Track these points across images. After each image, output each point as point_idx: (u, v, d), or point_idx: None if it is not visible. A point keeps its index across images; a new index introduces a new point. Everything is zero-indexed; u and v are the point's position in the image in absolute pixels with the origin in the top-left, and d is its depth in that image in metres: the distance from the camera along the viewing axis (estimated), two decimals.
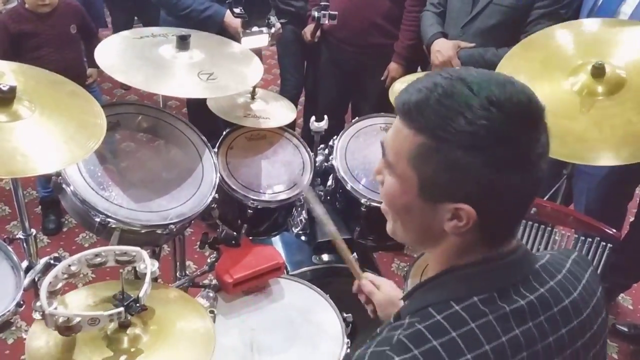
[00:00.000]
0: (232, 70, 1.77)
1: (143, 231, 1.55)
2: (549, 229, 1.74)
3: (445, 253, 0.78)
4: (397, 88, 2.00)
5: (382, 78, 2.78)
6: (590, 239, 1.69)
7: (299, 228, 1.98)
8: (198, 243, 1.83)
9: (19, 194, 1.47)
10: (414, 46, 2.68)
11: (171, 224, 1.57)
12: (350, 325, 1.63)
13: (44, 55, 2.48)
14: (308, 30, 2.83)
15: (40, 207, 2.91)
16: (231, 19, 2.31)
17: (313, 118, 1.95)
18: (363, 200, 1.83)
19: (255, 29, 1.91)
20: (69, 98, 1.47)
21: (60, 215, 2.89)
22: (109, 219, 1.49)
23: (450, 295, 0.75)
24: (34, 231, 1.48)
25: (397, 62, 2.74)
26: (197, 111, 2.48)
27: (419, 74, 2.36)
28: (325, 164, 1.98)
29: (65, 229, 2.90)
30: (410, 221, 0.78)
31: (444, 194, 0.71)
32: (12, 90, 1.28)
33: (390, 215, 0.81)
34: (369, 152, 1.96)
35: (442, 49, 2.37)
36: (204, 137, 1.79)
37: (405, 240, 0.83)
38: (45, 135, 1.33)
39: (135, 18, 4.13)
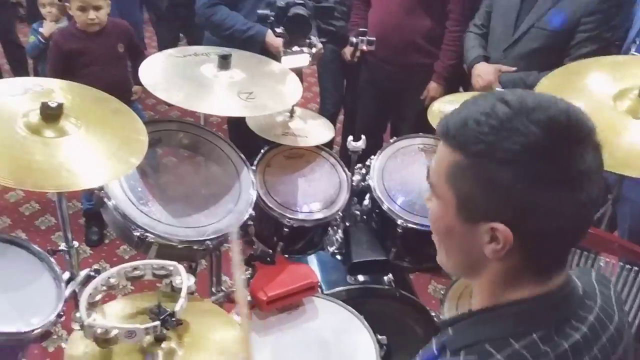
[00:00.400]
0: (271, 90, 1.80)
1: (180, 246, 1.58)
2: (593, 255, 1.68)
3: (490, 282, 0.75)
4: (437, 108, 1.98)
5: (422, 97, 2.77)
6: (636, 268, 1.63)
7: (335, 247, 1.97)
8: None
9: (63, 208, 1.52)
10: (454, 66, 2.67)
11: (208, 240, 1.58)
12: (385, 347, 1.61)
13: (93, 72, 2.57)
14: (348, 50, 2.85)
15: (84, 219, 2.99)
16: (272, 39, 2.34)
17: (350, 137, 1.95)
18: (399, 221, 1.81)
19: (296, 48, 1.93)
20: (113, 115, 1.52)
21: (103, 227, 2.97)
22: (147, 234, 1.52)
23: (508, 332, 0.72)
24: (76, 243, 1.52)
25: (437, 82, 2.72)
26: (237, 128, 2.52)
27: (460, 95, 2.36)
28: (362, 183, 1.97)
29: (107, 241, 2.97)
30: (452, 245, 0.77)
31: (480, 212, 0.70)
32: (60, 107, 1.33)
33: (436, 241, 0.81)
34: (406, 172, 1.94)
35: (482, 73, 2.35)
36: (242, 155, 1.82)
37: (450, 268, 0.81)
38: (90, 151, 1.38)
39: (181, 35, 4.25)
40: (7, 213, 3.07)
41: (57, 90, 1.53)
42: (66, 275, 1.49)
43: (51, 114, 1.32)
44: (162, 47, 4.09)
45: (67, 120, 1.37)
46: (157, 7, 3.86)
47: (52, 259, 1.41)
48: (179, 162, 1.79)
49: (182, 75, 1.76)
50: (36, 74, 3.46)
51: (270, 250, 1.79)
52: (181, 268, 1.36)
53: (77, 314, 1.20)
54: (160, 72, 1.76)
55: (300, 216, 1.82)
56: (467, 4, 2.60)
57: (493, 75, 2.31)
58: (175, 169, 1.77)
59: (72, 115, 1.39)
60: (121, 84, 2.67)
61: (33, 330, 1.27)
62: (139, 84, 2.79)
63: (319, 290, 1.76)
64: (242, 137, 2.08)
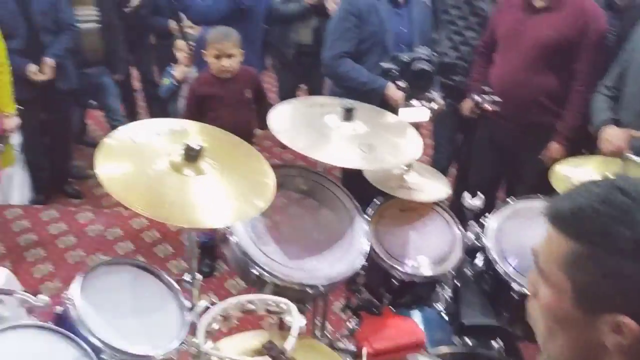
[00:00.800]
0: (391, 143, 1.84)
1: (293, 288, 1.62)
2: None
3: None
4: (561, 171, 1.91)
5: (542, 158, 2.67)
6: None
7: (443, 305, 1.93)
8: (341, 305, 1.87)
9: (192, 241, 1.62)
10: (579, 127, 2.56)
11: (321, 285, 1.62)
12: None
13: (222, 115, 2.76)
14: (466, 105, 2.84)
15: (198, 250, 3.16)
16: (394, 92, 2.40)
17: (467, 194, 1.93)
18: (514, 285, 1.74)
19: (416, 102, 1.96)
20: (244, 158, 1.63)
21: (215, 259, 3.12)
22: (265, 273, 1.59)
23: None
24: (200, 276, 1.62)
25: (559, 143, 2.62)
26: (351, 176, 2.57)
27: (586, 158, 2.25)
28: (476, 242, 1.93)
29: (216, 274, 3.11)
30: (564, 334, 0.74)
31: (602, 304, 0.68)
32: (201, 149, 1.45)
33: (543, 327, 0.78)
34: (524, 235, 1.87)
35: (612, 137, 2.23)
36: (357, 203, 1.85)
37: (558, 355, 0.77)
38: (221, 191, 1.48)
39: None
40: (131, 238, 3.32)
41: (193, 132, 1.67)
42: (187, 303, 1.58)
43: (192, 155, 1.44)
44: (282, 93, 4.31)
45: (205, 161, 1.49)
46: (283, 55, 4.08)
47: (179, 289, 1.51)
48: (296, 205, 1.86)
49: (306, 124, 1.85)
50: (166, 114, 3.78)
51: (377, 301, 1.79)
52: (294, 307, 1.40)
53: (194, 340, 1.27)
54: (287, 118, 1.87)
55: (410, 270, 1.81)
56: (596, 63, 2.51)
57: (624, 141, 2.19)
58: (292, 212, 1.84)
59: (209, 157, 1.51)
60: (246, 127, 2.83)
61: (159, 355, 1.36)
62: (262, 127, 3.00)
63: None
64: (356, 185, 2.12)
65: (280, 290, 1.62)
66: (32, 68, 3.13)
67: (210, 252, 3.09)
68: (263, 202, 1.48)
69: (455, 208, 2.07)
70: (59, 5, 3.21)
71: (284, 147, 4.21)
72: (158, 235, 3.36)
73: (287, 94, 4.26)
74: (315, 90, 4.25)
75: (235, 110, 2.78)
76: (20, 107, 2.74)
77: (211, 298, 1.54)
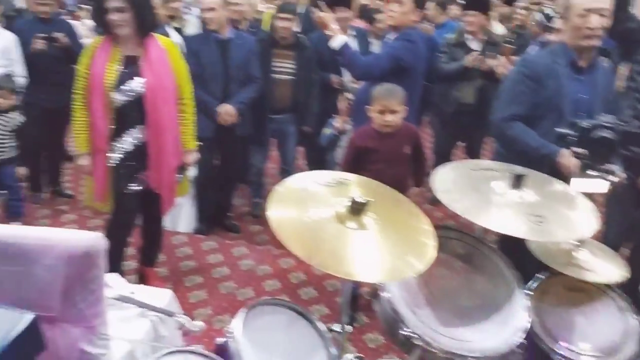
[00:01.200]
0: (562, 215, 1.71)
1: (442, 356, 1.56)
2: None
3: None
4: None
5: None
6: None
7: None
8: None
9: (346, 292, 1.64)
10: None
11: (472, 357, 1.53)
12: None
13: (379, 168, 2.79)
14: None
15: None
16: (567, 159, 2.23)
17: None
18: None
19: (593, 173, 1.82)
20: (406, 215, 1.62)
21: (356, 310, 3.11)
22: (414, 336, 1.54)
23: None
24: (350, 328, 1.62)
25: None
26: (511, 245, 2.43)
27: None
28: None
29: (356, 325, 3.10)
30: None
31: None
32: (366, 203, 1.48)
33: None
34: None
35: None
36: (518, 274, 1.74)
37: None
38: (380, 247, 1.48)
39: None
40: (279, 277, 3.45)
41: (355, 184, 1.70)
42: (334, 352, 1.59)
43: (357, 209, 1.47)
44: (438, 150, 4.28)
45: (367, 215, 1.51)
46: (442, 112, 4.07)
47: (329, 337, 1.52)
48: (451, 270, 1.80)
49: (470, 187, 1.80)
50: (324, 162, 3.93)
51: None
52: None
53: None
54: (451, 179, 1.84)
55: (573, 356, 1.64)
56: None
57: None
58: (447, 276, 1.78)
59: (371, 211, 1.53)
60: (401, 183, 2.83)
61: None
62: (417, 184, 2.99)
63: None
64: (515, 255, 2.00)
65: (428, 355, 1.57)
66: (223, 109, 3.47)
67: (352, 302, 3.09)
68: (421, 263, 1.45)
69: (631, 294, 1.86)
70: (251, 61, 3.57)
71: (434, 204, 4.20)
72: (304, 277, 3.45)
73: (443, 151, 4.23)
74: (473, 149, 4.17)
75: (393, 165, 2.80)
76: (200, 143, 3.02)
77: (349, 349, 1.53)
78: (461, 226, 1.90)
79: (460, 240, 1.84)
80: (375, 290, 1.69)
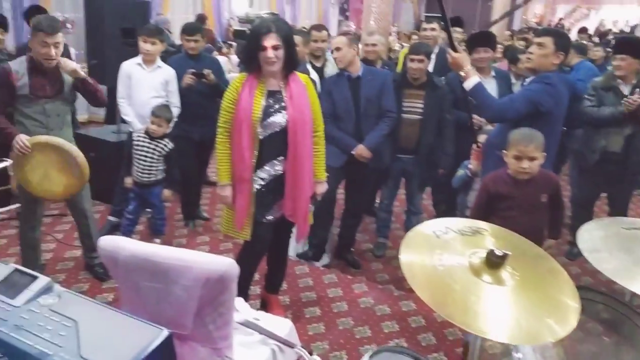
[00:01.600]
0: None
1: None
2: None
3: None
4: None
5: None
6: None
7: None
8: None
9: (475, 347, 1.56)
10: None
11: None
12: None
13: (512, 216, 2.66)
14: None
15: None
16: None
17: None
18: None
19: None
20: (547, 273, 1.51)
21: None
22: None
23: None
24: None
25: None
26: None
27: None
28: None
29: None
30: None
31: None
32: (504, 257, 1.40)
33: None
34: None
35: None
36: None
37: None
38: (517, 303, 1.39)
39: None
40: (397, 319, 3.35)
41: (494, 235, 1.63)
42: None
43: (495, 262, 1.40)
44: (577, 200, 4.00)
45: (506, 270, 1.43)
46: (585, 160, 3.81)
47: None
48: (594, 336, 1.65)
49: (621, 247, 1.65)
50: (454, 204, 3.81)
51: None
52: None
53: None
54: (599, 237, 1.70)
55: None
56: None
57: None
58: (589, 342, 1.63)
59: (510, 265, 1.45)
60: (536, 233, 2.66)
61: None
62: (554, 237, 2.80)
63: None
64: None
65: None
66: (358, 151, 3.56)
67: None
68: (562, 329, 1.34)
69: None
70: (384, 95, 3.61)
71: (570, 259, 3.89)
72: (423, 323, 3.34)
73: (584, 202, 3.94)
74: (617, 202, 3.84)
75: (528, 213, 2.65)
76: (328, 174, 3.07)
77: None
78: (604, 287, 1.73)
79: (606, 305, 1.68)
80: (506, 348, 1.59)
